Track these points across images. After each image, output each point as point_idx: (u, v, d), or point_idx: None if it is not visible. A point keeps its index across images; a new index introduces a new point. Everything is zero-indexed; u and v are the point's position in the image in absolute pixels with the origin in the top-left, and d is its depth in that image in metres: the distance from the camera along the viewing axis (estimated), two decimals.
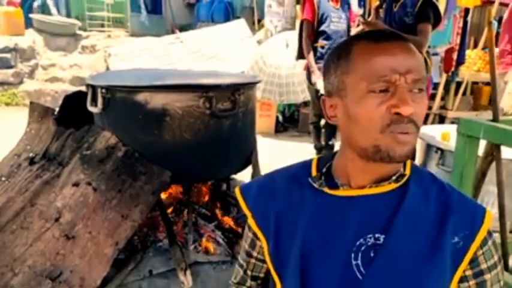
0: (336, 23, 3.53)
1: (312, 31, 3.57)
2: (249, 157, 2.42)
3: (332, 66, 0.78)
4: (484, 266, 0.75)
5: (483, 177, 1.72)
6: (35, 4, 8.56)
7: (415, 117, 0.71)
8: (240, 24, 6.75)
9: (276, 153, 4.28)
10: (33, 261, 1.75)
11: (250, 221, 0.87)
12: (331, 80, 0.78)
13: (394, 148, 0.70)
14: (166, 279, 2.05)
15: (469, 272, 0.75)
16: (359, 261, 0.74)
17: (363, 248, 0.74)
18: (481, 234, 0.74)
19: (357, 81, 0.72)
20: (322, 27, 3.51)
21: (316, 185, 0.81)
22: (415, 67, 0.71)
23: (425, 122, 5.01)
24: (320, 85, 3.53)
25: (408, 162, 0.81)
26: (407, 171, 0.80)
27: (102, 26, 8.89)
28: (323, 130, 3.94)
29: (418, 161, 2.87)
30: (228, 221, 2.50)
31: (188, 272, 1.99)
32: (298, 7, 5.63)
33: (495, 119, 1.61)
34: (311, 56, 3.57)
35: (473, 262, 0.74)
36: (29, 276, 1.72)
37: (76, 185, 1.92)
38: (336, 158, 0.84)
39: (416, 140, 0.73)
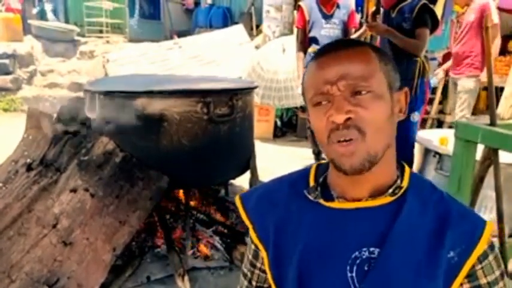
0: (327, 29, 3.59)
1: (304, 38, 3.68)
2: (247, 162, 2.41)
3: None
4: (483, 280, 0.72)
5: (481, 181, 1.72)
6: (34, 10, 8.58)
7: (360, 123, 0.69)
8: (238, 30, 6.76)
9: (275, 158, 4.27)
10: (31, 268, 1.74)
11: (251, 232, 0.86)
12: None
13: (341, 160, 0.72)
14: (164, 285, 2.04)
15: (466, 286, 0.73)
16: (354, 274, 0.73)
17: (358, 261, 0.73)
18: (479, 248, 0.71)
19: (307, 96, 0.77)
20: (313, 33, 3.61)
21: (311, 197, 0.80)
22: (351, 72, 0.70)
23: (423, 127, 5.02)
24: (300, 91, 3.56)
25: (406, 173, 0.79)
26: (405, 183, 0.78)
27: (101, 32, 8.90)
28: None
29: (416, 165, 2.87)
30: (226, 227, 2.49)
31: (186, 278, 1.98)
32: (296, 13, 5.66)
33: (492, 123, 1.61)
34: (300, 61, 3.69)
35: (471, 276, 0.72)
36: (26, 282, 1.70)
37: (73, 191, 1.92)
38: (330, 168, 0.82)
39: (371, 147, 0.70)
